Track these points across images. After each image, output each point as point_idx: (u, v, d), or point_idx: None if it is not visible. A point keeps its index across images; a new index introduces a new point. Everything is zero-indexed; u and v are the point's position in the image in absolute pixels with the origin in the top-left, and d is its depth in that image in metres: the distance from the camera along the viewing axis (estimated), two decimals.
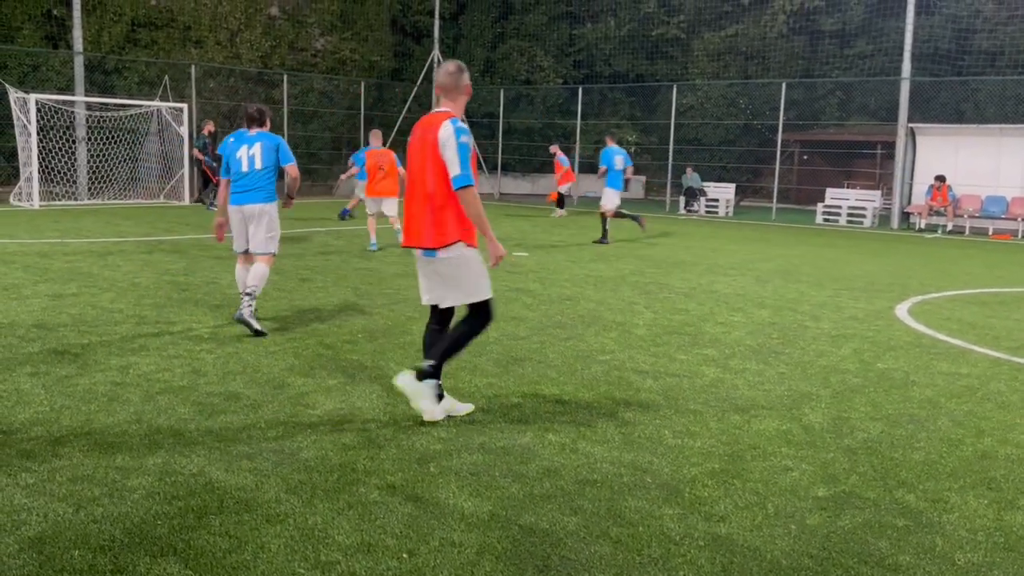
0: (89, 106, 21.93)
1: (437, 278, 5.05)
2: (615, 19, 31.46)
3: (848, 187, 26.85)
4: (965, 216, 21.39)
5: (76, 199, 21.45)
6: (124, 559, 3.29)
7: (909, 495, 4.18)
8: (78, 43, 22.11)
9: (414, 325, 7.70)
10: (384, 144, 14.83)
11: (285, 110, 26.77)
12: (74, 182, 21.74)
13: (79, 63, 22.23)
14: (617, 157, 15.65)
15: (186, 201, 22.20)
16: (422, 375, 4.95)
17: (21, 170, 20.00)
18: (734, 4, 29.55)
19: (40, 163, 20.01)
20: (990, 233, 20.99)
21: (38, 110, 19.60)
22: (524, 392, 5.71)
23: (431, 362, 4.98)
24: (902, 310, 9.43)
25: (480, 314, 5.04)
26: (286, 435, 4.72)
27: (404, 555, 3.40)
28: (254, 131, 7.65)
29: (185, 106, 22.58)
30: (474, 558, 3.39)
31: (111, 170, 22.09)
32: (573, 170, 22.84)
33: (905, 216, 22.70)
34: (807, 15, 28.27)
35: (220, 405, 5.22)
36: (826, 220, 23.43)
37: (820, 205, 23.88)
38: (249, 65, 27.22)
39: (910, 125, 22.64)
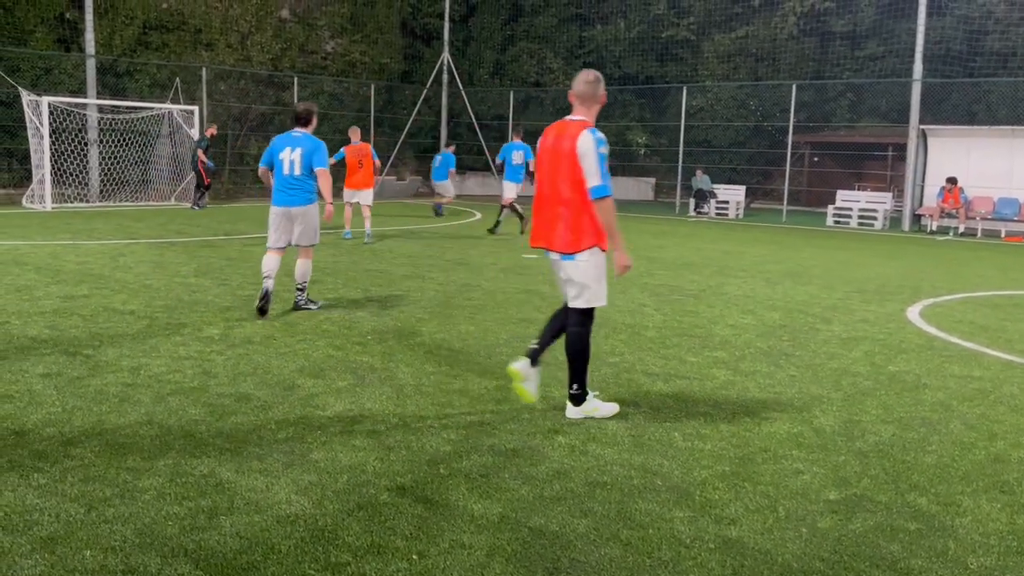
0: (101, 109, 22.04)
1: (567, 278, 5.18)
2: (625, 21, 31.42)
3: (859, 189, 26.76)
4: (977, 218, 21.28)
5: (88, 201, 21.55)
6: (135, 559, 3.30)
7: (921, 498, 4.15)
8: (90, 46, 22.22)
9: (424, 327, 7.70)
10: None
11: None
12: (86, 184, 21.84)
13: (91, 66, 22.34)
14: (516, 152, 16.40)
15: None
16: (575, 397, 5.24)
17: (34, 172, 20.11)
18: (744, 5, 29.49)
19: (52, 165, 20.11)
20: (1003, 235, 20.86)
21: (50, 113, 19.71)
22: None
23: (577, 383, 5.22)
24: (914, 313, 9.39)
25: (584, 317, 5.23)
26: (296, 436, 4.73)
27: (414, 556, 3.40)
28: (299, 132, 8.13)
29: (196, 108, 22.67)
30: (484, 560, 3.39)
31: (123, 172, 22.19)
32: None
33: (916, 218, 22.60)
34: (818, 16, 28.18)
35: (231, 406, 5.23)
36: (837, 222, 23.34)
37: (831, 207, 23.79)
38: (260, 67, 27.31)
39: (921, 127, 22.53)
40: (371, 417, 5.12)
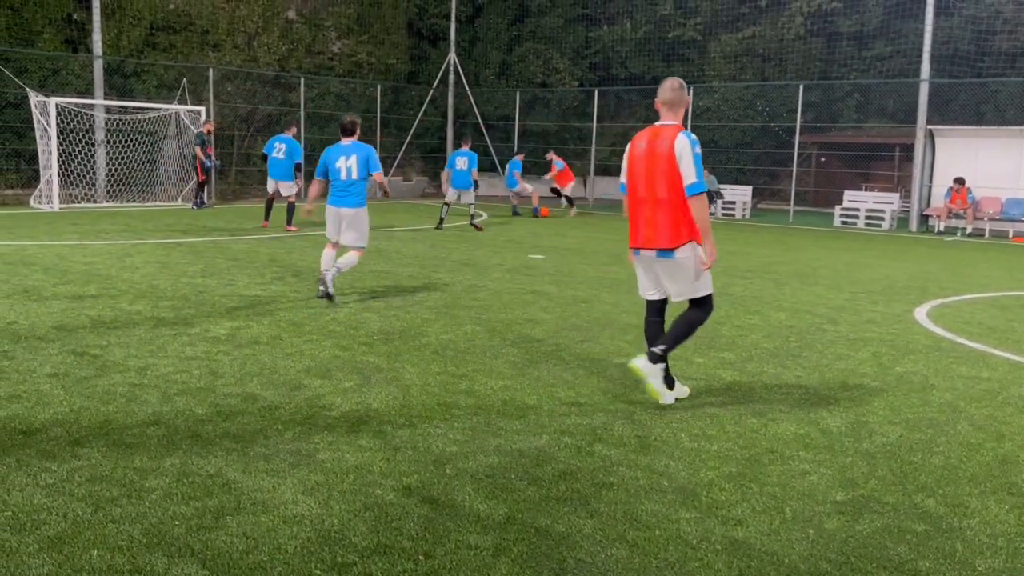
0: (108, 109, 22.09)
1: (669, 275, 5.54)
2: (631, 21, 31.39)
3: (866, 189, 26.67)
4: (985, 219, 21.20)
5: (95, 201, 21.61)
6: (142, 559, 3.31)
7: (928, 500, 4.14)
8: (97, 47, 22.28)
9: (429, 327, 7.71)
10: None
11: (302, 113, 26.87)
12: (93, 185, 21.90)
13: (98, 67, 22.40)
14: (460, 159, 18.02)
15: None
16: (654, 359, 5.51)
17: (41, 173, 20.17)
18: (751, 6, 29.44)
19: (60, 166, 20.17)
20: (1011, 236, 20.78)
21: (58, 113, 19.77)
22: (540, 394, 5.70)
23: (663, 347, 5.53)
24: (921, 313, 9.36)
25: (705, 305, 5.59)
26: (303, 436, 4.74)
27: (420, 557, 3.40)
28: (348, 141, 9.12)
29: (203, 109, 22.72)
30: (490, 560, 3.39)
31: (130, 173, 22.25)
32: (572, 172, 24.07)
33: (924, 219, 22.53)
34: (825, 17, 28.11)
35: (237, 406, 5.24)
36: (844, 223, 23.29)
37: (838, 208, 23.73)
38: (266, 68, 27.36)
39: (929, 127, 22.45)
40: (377, 417, 5.12)
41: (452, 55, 30.86)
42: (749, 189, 26.20)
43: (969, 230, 21.16)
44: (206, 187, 21.77)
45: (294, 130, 17.10)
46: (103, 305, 8.30)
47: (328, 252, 9.15)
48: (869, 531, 3.77)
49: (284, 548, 3.44)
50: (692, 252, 5.43)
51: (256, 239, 14.72)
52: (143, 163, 22.52)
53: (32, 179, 21.56)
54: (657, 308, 5.76)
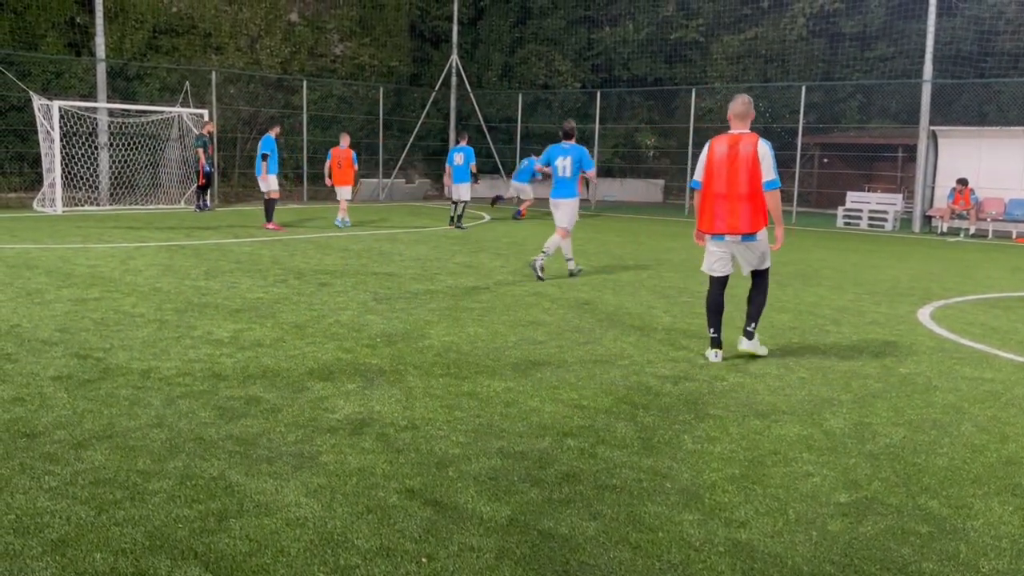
0: (111, 112, 22.14)
1: (750, 254, 6.83)
2: (634, 23, 31.39)
3: (869, 190, 26.63)
4: (988, 219, 21.16)
5: (98, 204, 21.65)
6: (145, 562, 3.31)
7: (932, 501, 4.13)
8: (100, 50, 22.32)
9: (432, 329, 7.71)
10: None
11: (304, 115, 26.90)
12: (96, 188, 21.94)
13: (101, 70, 22.44)
14: (457, 155, 18.60)
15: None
16: (749, 336, 6.91)
17: (44, 176, 20.21)
18: (753, 7, 29.42)
19: (63, 169, 20.21)
20: (1014, 236, 20.75)
21: (61, 116, 19.81)
22: (543, 396, 5.70)
23: (753, 324, 6.90)
24: (924, 314, 9.35)
25: (767, 274, 6.96)
26: (306, 439, 4.74)
27: (423, 559, 3.40)
28: (567, 144, 11.11)
29: (206, 112, 22.75)
30: (493, 563, 3.39)
31: (133, 176, 22.28)
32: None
33: (927, 219, 22.49)
34: (827, 17, 28.09)
35: (240, 409, 5.24)
36: (847, 223, 23.26)
37: (841, 208, 23.70)
38: (269, 71, 27.40)
39: (932, 128, 22.43)
40: (380, 420, 5.12)
41: (454, 57, 30.87)
42: None
43: (972, 231, 21.12)
44: (208, 190, 21.80)
45: (277, 130, 17.47)
46: (106, 308, 8.31)
47: (554, 237, 11.22)
48: (873, 533, 3.77)
49: (287, 551, 3.44)
50: (765, 235, 6.73)
51: (258, 242, 14.73)
52: (146, 166, 22.56)
53: (35, 182, 21.60)
54: (722, 283, 6.97)
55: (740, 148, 6.65)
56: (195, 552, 3.40)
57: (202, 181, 21.28)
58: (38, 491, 3.94)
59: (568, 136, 11.16)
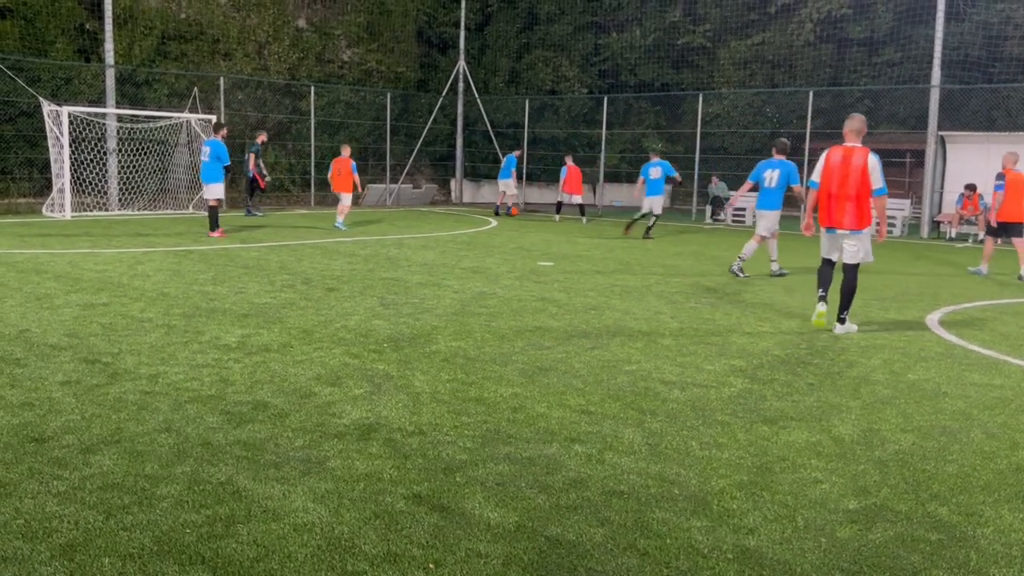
0: (120, 118, 22.22)
1: (852, 246, 8.30)
2: (640, 28, 31.39)
3: None
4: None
5: (107, 210, 21.73)
6: (153, 567, 3.32)
7: (942, 508, 4.11)
8: (109, 56, 22.42)
9: (439, 335, 7.71)
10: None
11: (312, 121, 26.97)
12: (105, 193, 22.02)
13: (110, 76, 22.55)
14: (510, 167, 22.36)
15: None
16: (842, 321, 8.36)
17: (54, 181, 20.30)
18: (760, 12, 29.40)
19: (72, 174, 20.29)
20: None
21: (70, 122, 19.89)
22: (550, 402, 5.69)
23: (844, 312, 8.34)
24: (933, 320, 9.31)
25: (857, 268, 8.36)
26: (313, 444, 4.74)
27: (430, 565, 3.40)
28: (778, 158, 12.35)
29: (214, 117, 22.82)
30: (500, 569, 3.38)
31: (141, 181, 22.36)
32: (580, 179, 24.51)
33: (935, 225, 22.42)
34: (835, 23, 28.05)
35: (248, 414, 5.25)
36: None
37: None
38: (277, 77, 27.48)
39: (940, 133, 22.37)
40: (387, 425, 5.12)
41: (461, 63, 30.92)
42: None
43: (981, 236, 21.01)
44: (254, 195, 21.98)
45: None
46: (115, 313, 8.34)
47: (750, 243, 12.51)
48: (882, 540, 3.75)
49: (294, 556, 3.44)
50: (868, 232, 8.29)
51: (266, 247, 14.76)
52: (155, 171, 22.63)
53: (45, 187, 21.69)
54: (831, 264, 8.56)
55: (853, 159, 8.09)
56: (202, 557, 3.40)
57: (263, 186, 21.85)
58: (46, 496, 3.95)
59: (781, 151, 12.32)
